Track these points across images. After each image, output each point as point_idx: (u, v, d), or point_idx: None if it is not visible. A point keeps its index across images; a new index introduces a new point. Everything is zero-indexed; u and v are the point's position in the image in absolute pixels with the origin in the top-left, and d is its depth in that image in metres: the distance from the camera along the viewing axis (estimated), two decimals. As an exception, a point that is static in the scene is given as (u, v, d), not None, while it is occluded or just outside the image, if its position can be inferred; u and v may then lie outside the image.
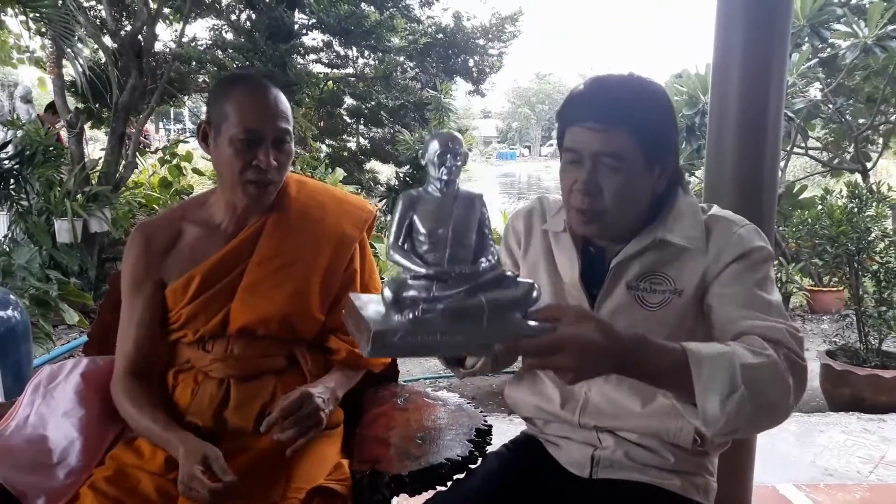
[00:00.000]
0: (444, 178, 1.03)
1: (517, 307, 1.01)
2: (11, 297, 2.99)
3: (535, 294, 1.02)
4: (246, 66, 7.74)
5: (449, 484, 1.34)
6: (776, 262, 6.57)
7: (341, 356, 1.52)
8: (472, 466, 1.34)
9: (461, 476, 1.34)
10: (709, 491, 1.33)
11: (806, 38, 5.78)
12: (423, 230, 1.03)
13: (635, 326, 1.18)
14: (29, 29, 6.37)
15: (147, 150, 7.81)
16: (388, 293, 0.99)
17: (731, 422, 1.00)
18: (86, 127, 6.77)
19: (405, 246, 1.04)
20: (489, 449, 1.43)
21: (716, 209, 1.29)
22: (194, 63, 9.06)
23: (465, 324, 0.98)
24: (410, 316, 0.96)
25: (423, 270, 1.00)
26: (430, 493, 1.33)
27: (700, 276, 1.22)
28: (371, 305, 1.03)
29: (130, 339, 1.45)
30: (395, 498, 1.32)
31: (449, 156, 1.03)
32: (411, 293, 0.97)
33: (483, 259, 1.03)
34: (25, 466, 1.30)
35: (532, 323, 0.99)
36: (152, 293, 1.44)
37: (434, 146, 1.03)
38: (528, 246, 1.41)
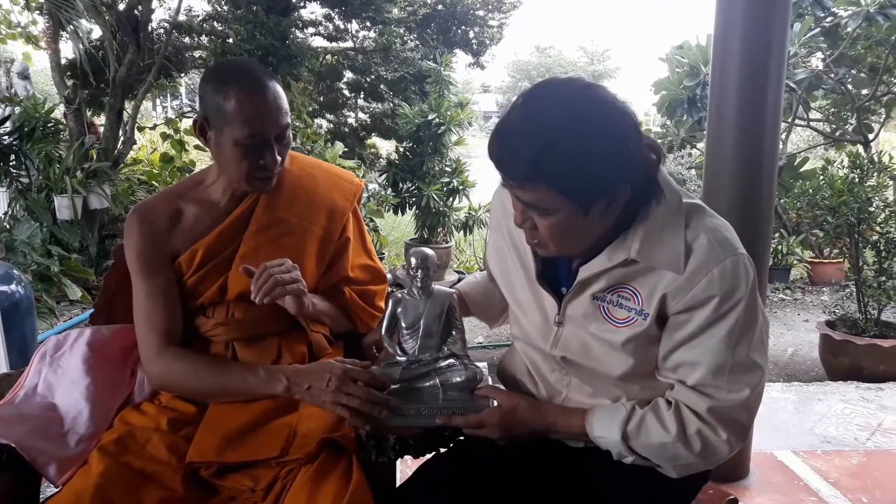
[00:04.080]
0: (419, 285, 1.38)
1: (465, 387, 1.34)
2: (15, 272, 3.02)
3: (478, 377, 1.36)
4: (243, 41, 7.65)
5: (452, 446, 1.37)
6: (776, 236, 6.59)
7: (344, 296, 1.58)
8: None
9: (462, 439, 1.37)
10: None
11: (808, 8, 5.73)
12: (403, 324, 1.39)
13: (600, 339, 1.20)
14: (30, 6, 6.32)
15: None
16: None
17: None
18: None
19: (392, 335, 1.40)
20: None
21: (704, 220, 1.17)
22: (194, 36, 8.97)
23: (423, 400, 1.33)
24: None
25: (397, 358, 1.37)
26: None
27: (660, 299, 1.15)
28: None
29: (160, 314, 1.43)
30: (398, 460, 1.36)
31: (420, 271, 1.38)
32: (381, 377, 1.33)
33: (445, 347, 1.37)
34: (37, 433, 1.32)
35: (477, 398, 1.33)
36: (167, 268, 1.46)
37: (412, 261, 1.38)
38: (506, 223, 1.35)
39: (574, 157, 1.04)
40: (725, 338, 1.13)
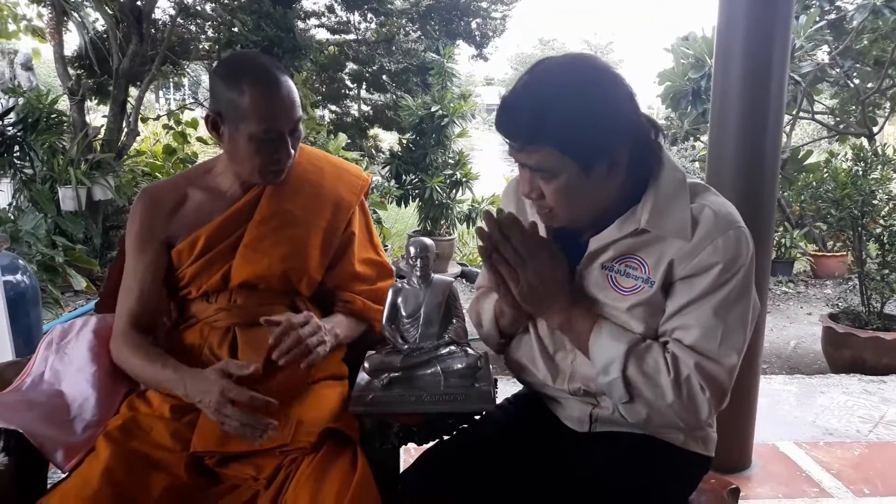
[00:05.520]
0: (419, 274, 1.40)
1: (466, 374, 1.33)
2: (20, 261, 3.03)
3: (480, 364, 1.34)
4: (249, 31, 7.63)
5: (455, 434, 1.38)
6: (779, 229, 6.58)
7: (356, 305, 1.58)
8: (477, 418, 1.37)
9: (466, 426, 1.37)
10: (708, 441, 1.36)
11: (814, 1, 5.70)
12: (404, 313, 1.40)
13: (608, 306, 1.24)
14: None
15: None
16: (366, 365, 1.34)
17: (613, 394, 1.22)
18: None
19: (393, 324, 1.40)
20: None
21: (707, 197, 1.22)
22: (199, 24, 8.95)
23: (425, 388, 1.32)
24: (380, 383, 1.32)
25: (397, 347, 1.37)
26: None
27: (667, 266, 1.19)
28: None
29: (133, 295, 1.47)
30: (402, 447, 1.36)
31: (420, 259, 1.39)
32: (382, 366, 1.33)
33: (445, 335, 1.38)
34: (44, 419, 1.34)
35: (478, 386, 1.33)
36: (157, 252, 1.48)
37: (412, 251, 1.40)
38: (517, 206, 1.41)
39: (572, 117, 1.11)
40: (721, 303, 1.17)
